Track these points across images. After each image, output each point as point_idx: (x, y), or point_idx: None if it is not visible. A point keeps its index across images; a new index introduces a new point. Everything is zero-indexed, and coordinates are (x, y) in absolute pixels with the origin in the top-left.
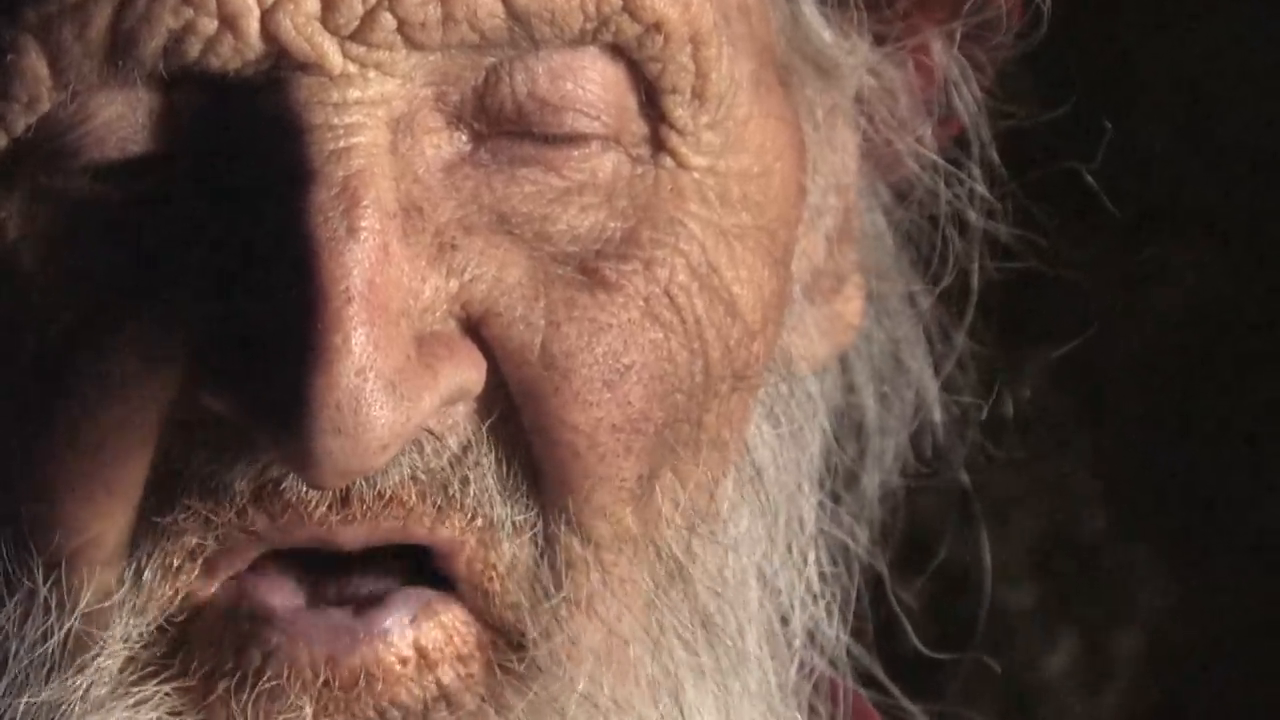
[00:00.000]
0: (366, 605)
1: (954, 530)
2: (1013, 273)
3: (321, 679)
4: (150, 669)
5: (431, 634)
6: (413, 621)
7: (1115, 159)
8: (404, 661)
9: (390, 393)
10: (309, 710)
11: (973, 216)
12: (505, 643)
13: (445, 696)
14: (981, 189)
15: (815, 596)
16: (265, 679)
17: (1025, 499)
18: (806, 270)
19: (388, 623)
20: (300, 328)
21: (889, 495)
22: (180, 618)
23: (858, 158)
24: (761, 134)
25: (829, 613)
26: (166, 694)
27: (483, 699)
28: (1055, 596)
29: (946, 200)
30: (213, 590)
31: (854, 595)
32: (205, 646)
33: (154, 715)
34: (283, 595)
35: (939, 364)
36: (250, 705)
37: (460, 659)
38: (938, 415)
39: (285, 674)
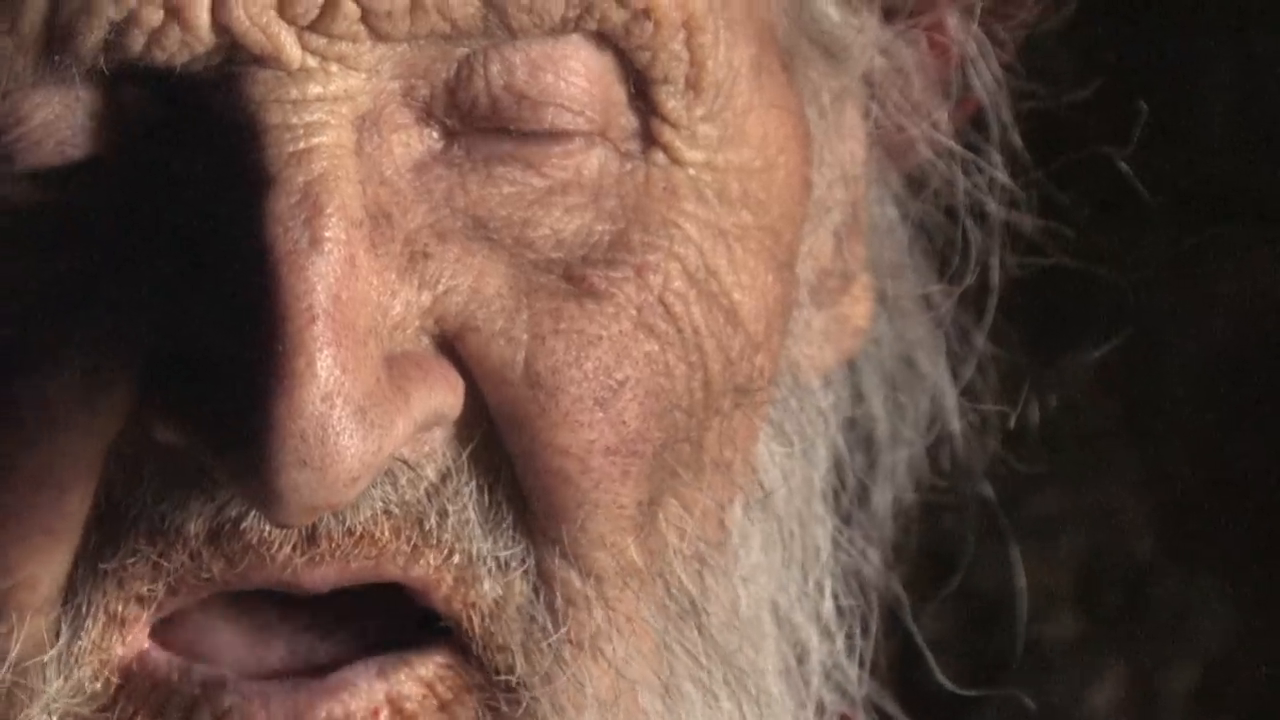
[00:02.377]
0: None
1: (987, 554)
2: (1048, 269)
3: None
4: None
5: (405, 686)
6: (379, 674)
7: (1155, 141)
8: (374, 713)
9: (360, 420)
10: None
11: (993, 207)
12: (499, 688)
13: None
14: (1003, 177)
15: (832, 630)
16: None
17: (1066, 519)
18: (813, 271)
19: (353, 675)
20: (260, 350)
21: (907, 514)
22: (124, 666)
23: (866, 145)
24: (763, 125)
25: (849, 648)
26: None
27: None
28: (1099, 628)
29: (965, 190)
30: (158, 652)
31: (874, 627)
32: (148, 710)
33: None
34: (234, 652)
35: (958, 370)
36: None
37: (443, 707)
38: (956, 426)
39: None
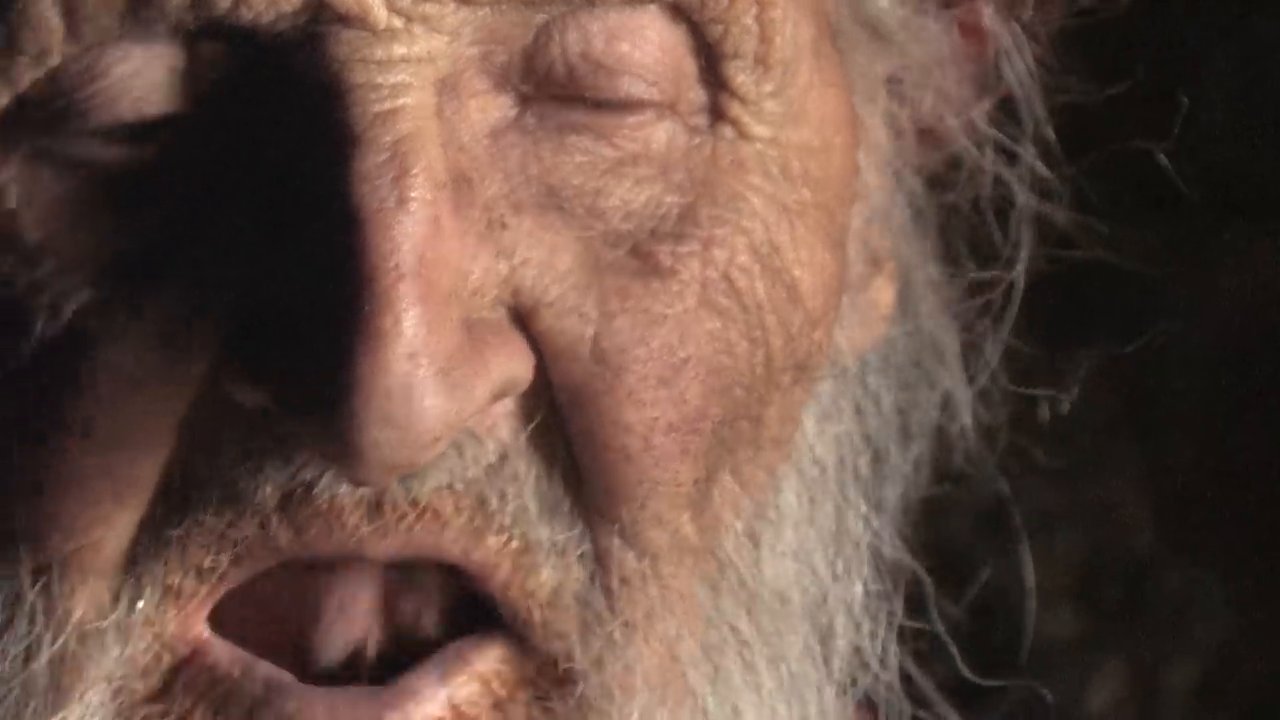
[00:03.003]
0: (388, 672)
1: (986, 549)
2: (1049, 262)
3: None
4: (142, 712)
5: (466, 688)
6: (442, 677)
7: (1157, 133)
8: None
9: (443, 380)
10: None
11: (1021, 200)
12: (549, 679)
13: None
14: (1039, 166)
15: (858, 615)
16: None
17: (1066, 515)
18: (857, 255)
19: (416, 682)
20: (345, 308)
21: (914, 508)
22: (179, 648)
23: (894, 134)
24: (821, 105)
25: (873, 635)
26: None
27: None
28: (1099, 624)
29: (992, 182)
30: (213, 632)
31: (898, 614)
32: (208, 705)
33: None
34: (294, 656)
35: (968, 363)
36: None
37: (498, 705)
38: (967, 419)
39: None
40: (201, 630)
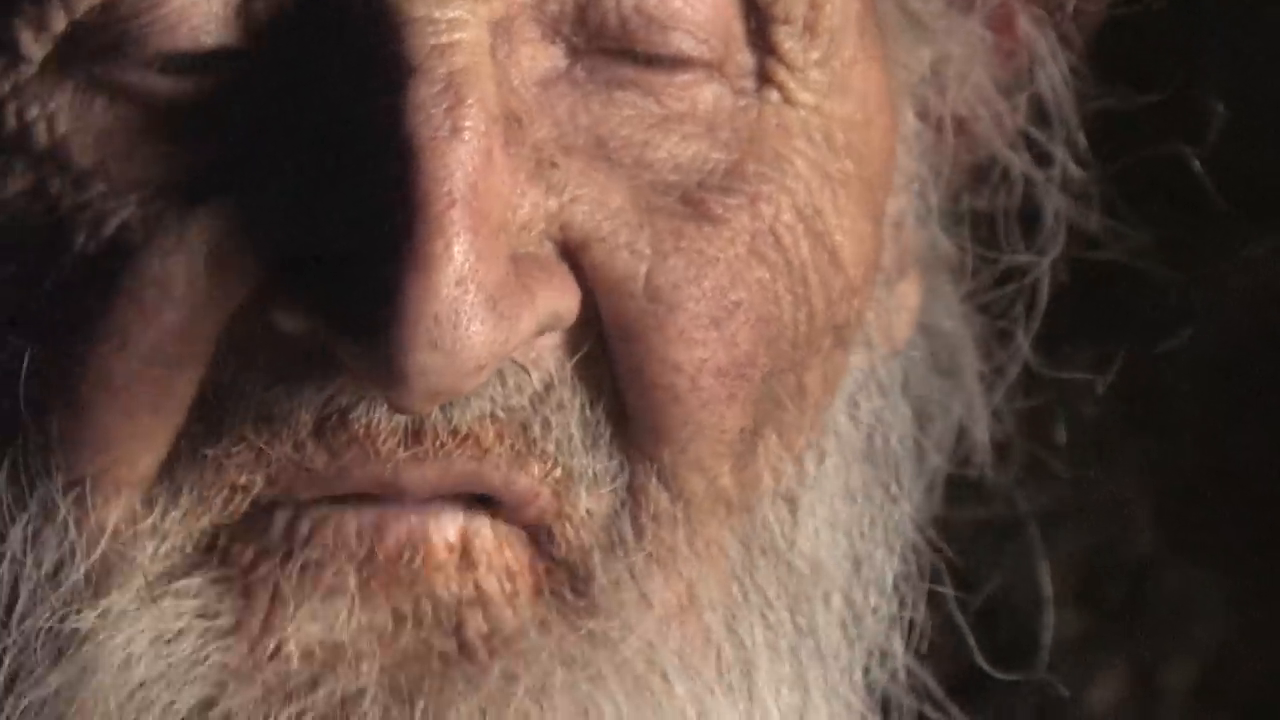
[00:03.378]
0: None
1: (995, 549)
2: (1053, 264)
3: (366, 548)
4: (185, 569)
5: (481, 533)
6: (466, 511)
7: (1160, 133)
8: (449, 549)
9: (491, 308)
10: (352, 581)
11: (1054, 204)
12: (567, 576)
13: (482, 602)
14: (1073, 168)
15: (887, 597)
16: (310, 547)
17: (1067, 515)
18: (891, 242)
19: (437, 507)
20: (397, 233)
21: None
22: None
23: (924, 135)
24: (865, 80)
25: (893, 623)
26: (204, 585)
27: (526, 619)
28: (1100, 624)
29: (1027, 186)
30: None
31: (922, 603)
32: (248, 538)
33: (185, 618)
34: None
35: (998, 371)
36: (295, 575)
37: (508, 572)
38: (984, 428)
39: (331, 541)
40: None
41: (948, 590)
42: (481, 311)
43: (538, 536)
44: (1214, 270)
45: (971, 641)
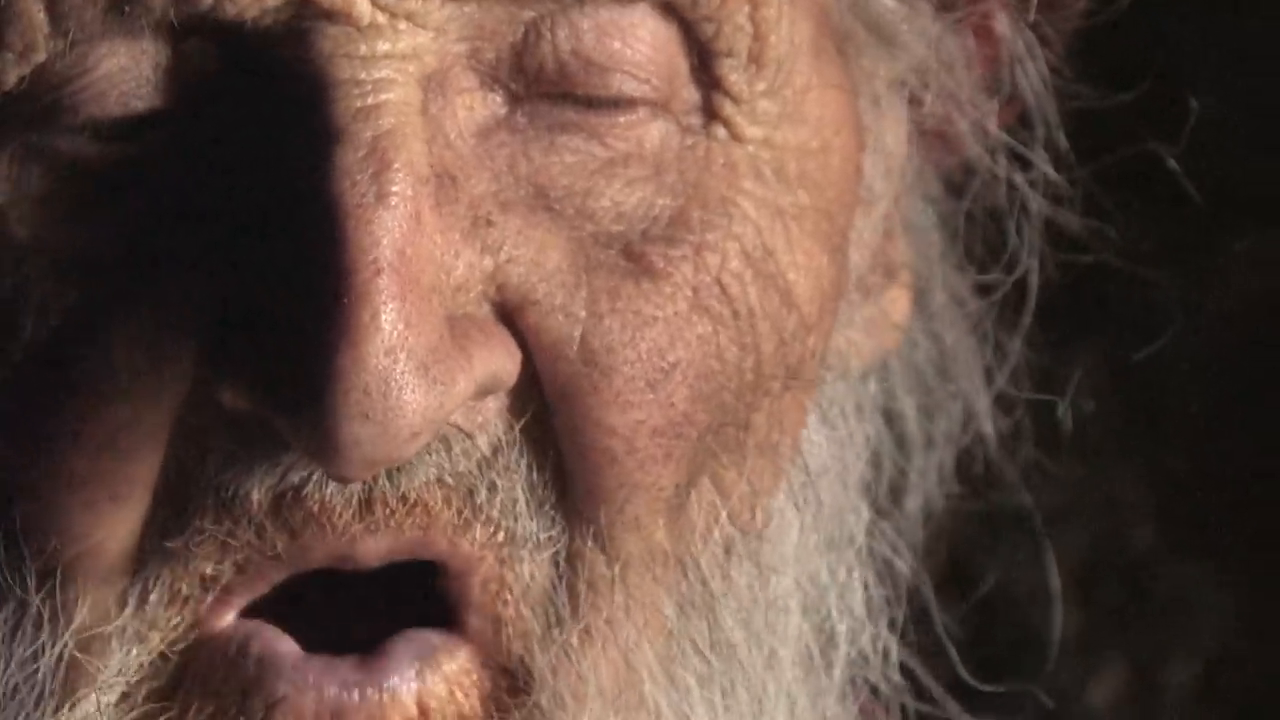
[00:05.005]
0: (370, 653)
1: (991, 548)
2: (1053, 266)
3: None
4: (146, 711)
5: (435, 688)
6: (417, 674)
7: (1160, 135)
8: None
9: (422, 375)
10: None
11: (1035, 206)
12: (509, 686)
13: None
14: (1051, 172)
15: (861, 619)
16: None
17: (1068, 513)
18: (860, 260)
19: (393, 679)
20: (324, 303)
21: (936, 515)
22: (183, 648)
23: (909, 140)
24: (821, 106)
25: (874, 638)
26: None
27: None
28: (1101, 621)
29: (1008, 188)
30: (222, 625)
31: (901, 619)
32: (206, 693)
33: None
34: (288, 642)
35: (990, 371)
36: None
37: (460, 715)
38: (989, 428)
39: None
40: (211, 629)
41: (929, 599)
42: (413, 379)
43: (485, 635)
44: (1212, 272)
45: (954, 655)
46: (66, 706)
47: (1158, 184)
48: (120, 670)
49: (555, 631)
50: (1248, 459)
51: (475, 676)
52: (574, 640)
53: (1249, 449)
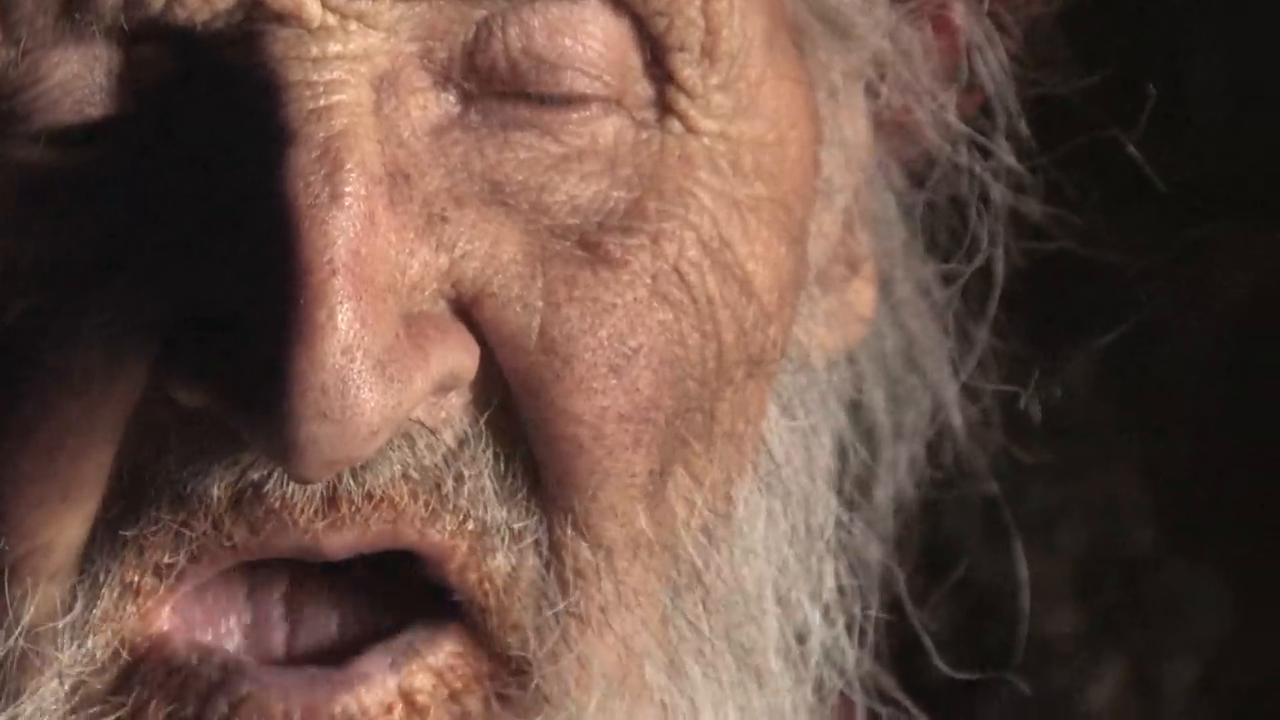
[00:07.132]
0: (341, 655)
1: (986, 547)
2: (1047, 258)
3: None
4: (98, 708)
5: (415, 679)
6: (392, 665)
7: (1165, 129)
8: (389, 708)
9: (379, 374)
10: None
11: (998, 194)
12: (506, 670)
13: None
14: (1011, 161)
15: (833, 611)
16: None
17: (1065, 511)
18: (821, 253)
19: (367, 665)
20: (280, 304)
21: (908, 507)
22: (138, 643)
23: (870, 131)
24: (775, 98)
25: (848, 630)
26: None
27: None
28: (1098, 621)
29: (970, 177)
30: (173, 624)
31: (873, 612)
32: (164, 694)
33: None
34: (251, 642)
35: (959, 361)
36: None
37: (454, 697)
38: (957, 419)
39: None
40: (163, 624)
41: (902, 592)
42: (370, 378)
43: (473, 621)
44: (1211, 268)
45: (931, 648)
46: (18, 700)
47: (1153, 178)
48: (71, 662)
49: (550, 620)
50: (1249, 460)
51: (468, 664)
52: (571, 628)
53: (1249, 449)
